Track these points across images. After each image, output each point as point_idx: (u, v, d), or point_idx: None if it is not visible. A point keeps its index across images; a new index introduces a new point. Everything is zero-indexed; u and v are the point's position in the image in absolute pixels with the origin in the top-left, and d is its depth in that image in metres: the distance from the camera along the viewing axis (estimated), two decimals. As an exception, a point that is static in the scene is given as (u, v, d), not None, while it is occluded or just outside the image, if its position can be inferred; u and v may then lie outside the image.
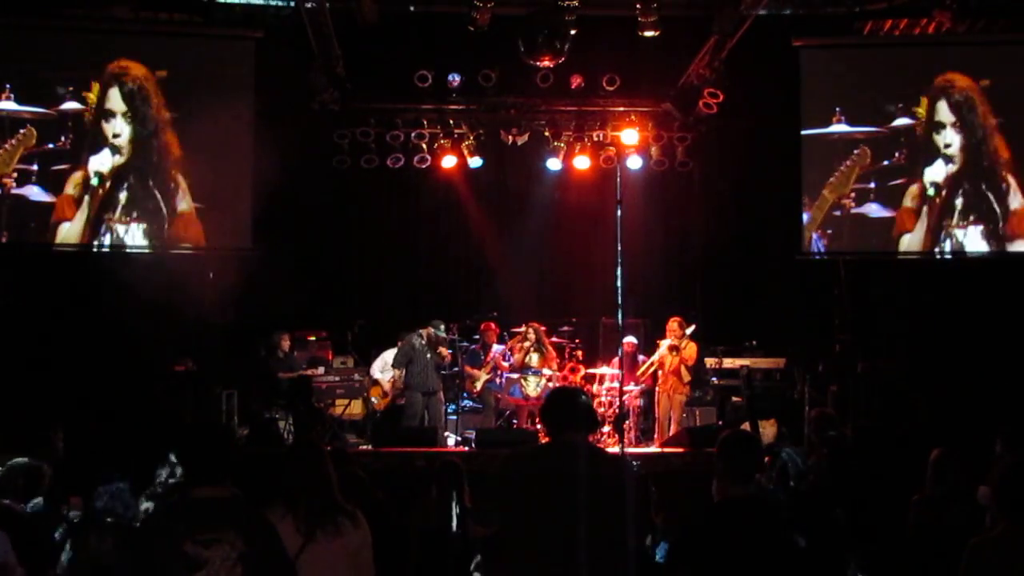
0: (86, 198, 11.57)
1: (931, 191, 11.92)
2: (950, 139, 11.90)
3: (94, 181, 11.55)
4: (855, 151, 12.05)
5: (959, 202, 11.89)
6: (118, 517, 4.99)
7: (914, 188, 12.01)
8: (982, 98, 11.86)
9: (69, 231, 11.55)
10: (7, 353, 10.47)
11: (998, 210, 11.83)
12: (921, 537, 5.33)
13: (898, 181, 12.06)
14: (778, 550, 3.65)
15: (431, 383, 11.07)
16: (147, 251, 11.71)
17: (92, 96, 11.56)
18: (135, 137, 11.66)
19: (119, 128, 11.62)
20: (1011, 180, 11.82)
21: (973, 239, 11.86)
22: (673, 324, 11.00)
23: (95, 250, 11.62)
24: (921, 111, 11.95)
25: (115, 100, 11.61)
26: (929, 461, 5.52)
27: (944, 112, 11.92)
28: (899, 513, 5.60)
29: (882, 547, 5.60)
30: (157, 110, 11.67)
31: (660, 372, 11.11)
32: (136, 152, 11.66)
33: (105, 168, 11.60)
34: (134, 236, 11.68)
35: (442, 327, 11.16)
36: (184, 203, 11.72)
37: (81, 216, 11.55)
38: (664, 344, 11.05)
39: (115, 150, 11.62)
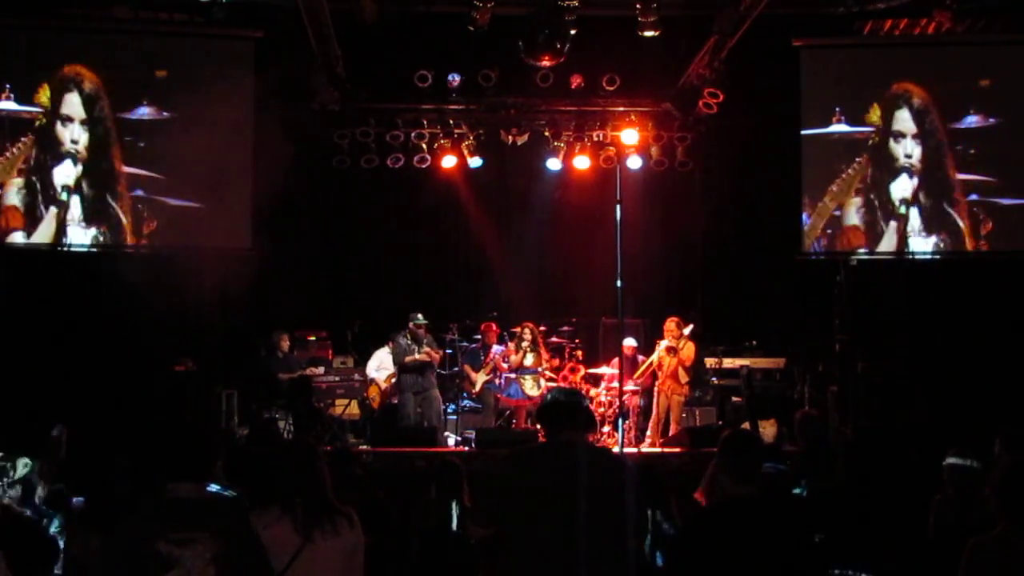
0: (52, 209, 11.49)
1: (901, 208, 11.94)
2: (910, 149, 11.93)
3: (62, 196, 11.47)
4: (857, 159, 12.04)
5: (916, 212, 11.95)
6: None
7: (858, 200, 12.02)
8: (937, 109, 11.89)
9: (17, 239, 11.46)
10: (7, 353, 10.47)
11: (961, 225, 11.89)
12: (942, 537, 5.31)
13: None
14: (779, 550, 3.64)
15: (422, 382, 11.08)
16: (146, 251, 11.71)
17: (44, 98, 11.50)
18: (92, 143, 11.60)
19: (76, 135, 11.55)
20: (967, 190, 11.87)
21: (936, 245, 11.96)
22: (671, 324, 10.95)
23: (96, 251, 11.61)
24: (875, 118, 12.00)
25: (72, 107, 11.53)
26: (945, 466, 5.50)
27: (906, 122, 11.94)
28: (902, 513, 5.59)
29: (886, 548, 5.58)
30: (111, 116, 11.62)
31: (658, 373, 11.09)
32: (93, 159, 11.61)
33: (71, 180, 11.53)
34: (102, 238, 11.63)
35: (419, 317, 11.15)
36: (127, 210, 11.67)
37: (47, 228, 11.48)
38: (662, 345, 11.03)
39: (76, 159, 11.55)
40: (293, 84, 11.37)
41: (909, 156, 11.93)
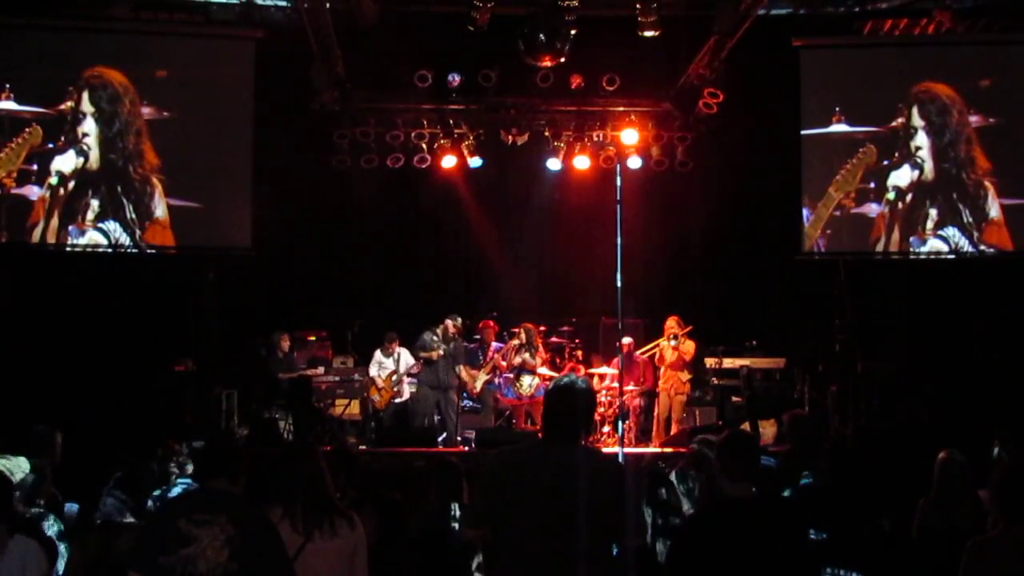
0: (61, 202, 11.45)
1: (891, 194, 11.91)
2: (921, 143, 11.91)
3: (54, 180, 11.42)
4: (861, 148, 12.02)
5: (932, 210, 11.89)
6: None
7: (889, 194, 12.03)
8: (961, 105, 11.85)
9: (38, 232, 11.45)
10: (6, 353, 10.46)
11: (972, 220, 11.83)
12: (927, 539, 5.31)
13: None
14: (776, 551, 3.64)
15: (443, 378, 11.10)
16: (146, 252, 11.70)
17: (71, 100, 11.49)
18: (103, 140, 11.54)
19: (88, 129, 11.51)
20: (989, 187, 11.80)
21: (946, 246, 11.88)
22: (671, 322, 11.16)
23: (94, 251, 11.60)
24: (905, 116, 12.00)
25: (85, 104, 11.51)
26: (935, 463, 5.50)
27: (917, 118, 11.92)
28: (901, 514, 5.59)
29: (883, 549, 5.58)
30: (131, 115, 11.58)
31: (661, 369, 11.19)
32: (105, 155, 11.55)
33: (67, 168, 11.48)
34: (109, 237, 11.56)
35: (458, 320, 11.20)
36: (159, 209, 11.61)
37: (51, 218, 11.45)
38: (665, 340, 11.13)
39: (81, 152, 11.51)
40: (293, 84, 11.38)
41: (919, 149, 11.91)
